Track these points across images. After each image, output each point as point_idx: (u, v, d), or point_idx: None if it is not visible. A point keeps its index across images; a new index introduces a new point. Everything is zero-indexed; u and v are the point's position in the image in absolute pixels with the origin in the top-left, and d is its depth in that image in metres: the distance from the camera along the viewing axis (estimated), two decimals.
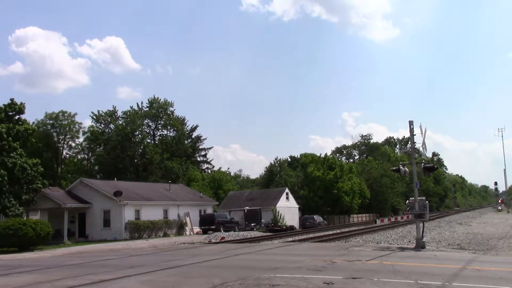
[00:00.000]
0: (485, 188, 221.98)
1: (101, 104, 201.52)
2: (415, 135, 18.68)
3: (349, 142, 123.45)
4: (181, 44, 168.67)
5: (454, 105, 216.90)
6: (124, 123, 62.74)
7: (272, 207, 51.78)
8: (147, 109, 69.61)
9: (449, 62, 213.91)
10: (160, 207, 40.33)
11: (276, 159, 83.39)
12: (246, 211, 49.25)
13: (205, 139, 77.70)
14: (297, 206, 59.13)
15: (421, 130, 18.79)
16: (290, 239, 29.00)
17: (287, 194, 57.13)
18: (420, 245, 17.80)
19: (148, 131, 69.33)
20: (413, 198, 18.30)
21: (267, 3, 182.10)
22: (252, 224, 46.34)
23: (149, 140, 67.22)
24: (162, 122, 70.23)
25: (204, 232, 38.54)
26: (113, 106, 79.32)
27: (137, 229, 36.03)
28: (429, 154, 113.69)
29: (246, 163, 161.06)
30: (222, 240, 28.37)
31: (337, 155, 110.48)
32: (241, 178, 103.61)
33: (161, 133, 71.26)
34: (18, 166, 30.87)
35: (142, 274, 11.88)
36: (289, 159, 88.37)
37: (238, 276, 10.49)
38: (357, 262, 13.08)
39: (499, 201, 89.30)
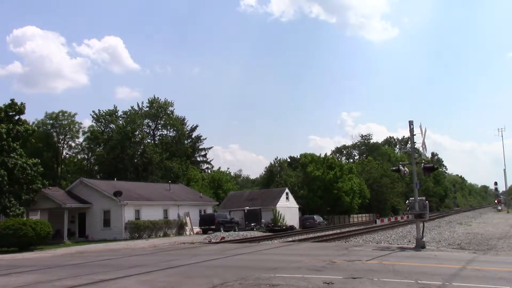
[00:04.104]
0: (485, 188, 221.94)
1: (100, 104, 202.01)
2: (415, 135, 18.63)
3: (348, 142, 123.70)
4: (180, 44, 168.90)
5: (454, 105, 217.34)
6: (124, 123, 62.76)
7: (272, 207, 51.80)
8: (147, 109, 69.67)
9: (448, 62, 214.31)
10: (160, 207, 40.34)
11: (276, 159, 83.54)
12: (246, 211, 49.26)
13: (205, 139, 77.88)
14: (297, 206, 59.14)
15: (421, 130, 18.76)
16: (290, 239, 28.99)
17: (287, 194, 57.13)
18: (420, 245, 17.79)
19: (148, 131, 69.41)
20: (413, 198, 18.28)
21: (265, 4, 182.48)
22: (252, 224, 46.34)
23: (149, 140, 67.27)
24: (162, 122, 70.27)
25: (204, 232, 38.53)
26: (114, 105, 79.51)
27: (137, 229, 36.02)
28: (428, 154, 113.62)
29: (246, 163, 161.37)
30: (222, 240, 28.37)
31: (337, 155, 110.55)
32: (241, 178, 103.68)
33: (161, 133, 71.38)
34: (18, 166, 30.86)
35: (142, 274, 11.87)
36: (289, 159, 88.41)
37: (238, 276, 10.49)
38: (357, 262, 13.07)
39: (496, 201, 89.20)
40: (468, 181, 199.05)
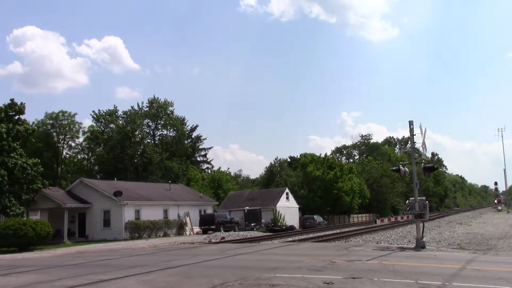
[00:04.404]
0: (485, 188, 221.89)
1: (100, 104, 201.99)
2: (415, 135, 18.63)
3: (348, 142, 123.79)
4: (180, 44, 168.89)
5: (454, 105, 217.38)
6: (124, 123, 62.79)
7: (272, 207, 51.80)
8: (147, 109, 69.72)
9: (448, 62, 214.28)
10: (160, 207, 40.34)
11: (276, 159, 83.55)
12: (246, 211, 49.26)
13: (205, 139, 77.94)
14: (297, 206, 59.15)
15: (421, 130, 18.76)
16: (290, 239, 29.00)
17: (287, 194, 57.14)
18: (420, 245, 17.79)
19: (148, 131, 69.46)
20: (413, 198, 18.27)
21: (265, 4, 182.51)
22: (252, 224, 46.36)
23: (149, 140, 67.29)
24: (162, 122, 70.33)
25: (204, 232, 38.54)
26: (114, 105, 79.55)
27: (137, 229, 36.02)
28: (428, 154, 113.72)
29: (246, 163, 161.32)
30: (222, 240, 28.37)
31: (337, 155, 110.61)
32: (241, 178, 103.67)
33: (161, 133, 71.45)
34: (18, 166, 30.85)
35: (142, 274, 11.87)
36: (289, 159, 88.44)
37: (238, 276, 10.49)
38: (357, 262, 13.07)
39: (495, 201, 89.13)
40: (468, 181, 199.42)
